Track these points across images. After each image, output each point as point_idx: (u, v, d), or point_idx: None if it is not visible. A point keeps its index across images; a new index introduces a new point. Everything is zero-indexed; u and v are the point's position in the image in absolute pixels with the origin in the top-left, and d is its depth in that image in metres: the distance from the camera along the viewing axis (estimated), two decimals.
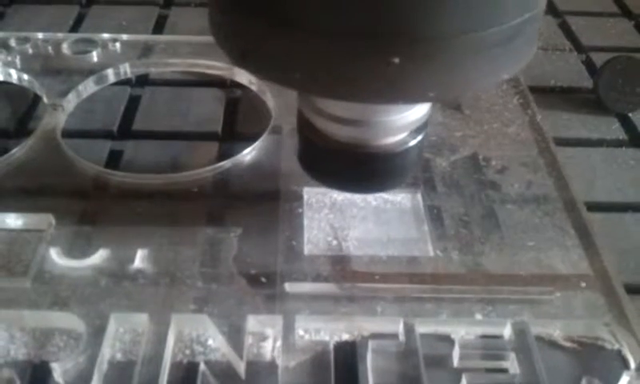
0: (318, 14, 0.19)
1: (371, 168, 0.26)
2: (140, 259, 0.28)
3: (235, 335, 0.25)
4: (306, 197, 0.31)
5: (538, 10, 0.21)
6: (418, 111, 0.25)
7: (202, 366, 0.24)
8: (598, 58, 0.42)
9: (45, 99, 0.37)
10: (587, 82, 0.41)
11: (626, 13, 0.50)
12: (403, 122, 0.25)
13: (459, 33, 0.19)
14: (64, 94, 0.37)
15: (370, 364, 0.25)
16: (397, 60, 0.19)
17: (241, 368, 0.24)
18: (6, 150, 0.33)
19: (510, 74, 0.22)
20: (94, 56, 0.40)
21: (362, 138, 0.25)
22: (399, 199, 0.31)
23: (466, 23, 0.19)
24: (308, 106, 0.26)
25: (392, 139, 0.25)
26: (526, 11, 0.20)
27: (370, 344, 0.25)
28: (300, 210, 0.30)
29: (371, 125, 0.25)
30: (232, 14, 0.21)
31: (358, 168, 0.26)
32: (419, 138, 0.26)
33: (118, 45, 0.41)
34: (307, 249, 0.29)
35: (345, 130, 0.25)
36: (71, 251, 0.28)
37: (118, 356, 0.25)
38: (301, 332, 0.26)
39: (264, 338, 0.25)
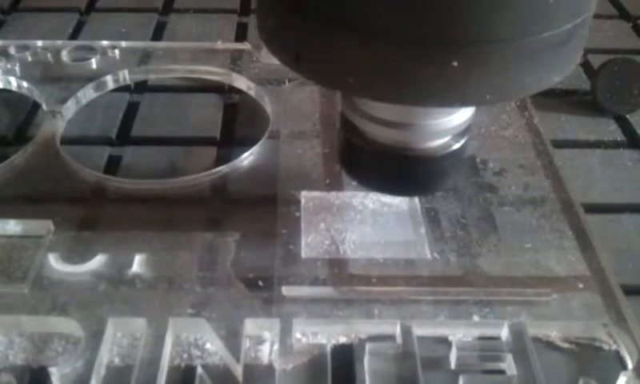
0: (376, 18, 0.19)
1: (414, 171, 0.26)
2: (138, 264, 0.28)
3: (233, 339, 0.25)
4: (303, 201, 0.31)
5: (589, 13, 0.22)
6: (462, 115, 0.25)
7: (200, 370, 0.24)
8: (596, 60, 0.42)
9: (44, 106, 0.37)
10: (585, 84, 0.41)
11: (623, 15, 0.50)
12: (447, 126, 0.25)
13: (516, 37, 0.20)
14: (63, 101, 0.37)
15: (368, 366, 0.25)
16: (455, 64, 0.19)
17: (238, 371, 0.24)
18: (5, 157, 0.33)
19: (561, 77, 0.22)
20: (93, 63, 0.41)
21: (406, 141, 0.25)
22: (396, 202, 0.31)
23: (523, 27, 0.19)
24: (351, 108, 0.26)
25: (436, 142, 0.26)
26: (578, 15, 0.21)
27: (368, 346, 0.25)
28: (297, 214, 0.30)
29: (416, 128, 0.25)
30: (286, 17, 0.22)
31: (401, 170, 0.26)
32: (462, 141, 0.26)
33: (117, 52, 0.42)
34: (304, 252, 0.29)
35: (389, 133, 0.25)
36: (70, 257, 0.28)
37: (116, 360, 0.25)
38: (298, 335, 0.26)
39: (261, 341, 0.25)
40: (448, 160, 0.26)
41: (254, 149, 0.34)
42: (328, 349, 0.25)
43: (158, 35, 0.46)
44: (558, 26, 0.20)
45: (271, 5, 0.22)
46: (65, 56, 0.41)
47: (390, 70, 0.20)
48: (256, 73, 0.40)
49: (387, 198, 0.31)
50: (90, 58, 0.41)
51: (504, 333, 0.26)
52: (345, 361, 0.25)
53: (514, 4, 0.19)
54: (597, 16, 0.50)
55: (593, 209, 0.32)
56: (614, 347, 0.26)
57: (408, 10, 0.19)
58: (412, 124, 0.25)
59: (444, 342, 0.26)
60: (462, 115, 0.25)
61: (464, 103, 0.23)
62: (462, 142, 0.26)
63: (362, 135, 0.26)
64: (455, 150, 0.26)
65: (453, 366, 0.25)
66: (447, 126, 0.25)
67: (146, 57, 0.42)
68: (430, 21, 0.19)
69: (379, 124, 0.25)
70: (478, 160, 0.34)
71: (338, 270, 0.28)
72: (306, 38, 0.21)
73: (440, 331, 0.26)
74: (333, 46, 0.21)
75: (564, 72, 0.22)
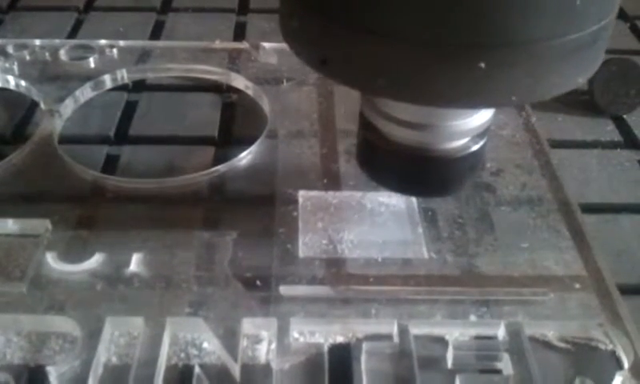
0: (402, 20, 0.19)
1: (433, 171, 0.26)
2: (136, 263, 0.28)
3: (230, 338, 0.25)
4: (301, 200, 0.31)
5: (613, 16, 0.22)
6: (482, 116, 0.25)
7: (197, 369, 0.24)
8: None
9: (42, 105, 0.37)
10: (582, 84, 0.41)
11: (621, 15, 0.50)
12: (467, 127, 0.25)
13: (543, 39, 0.20)
14: (61, 99, 0.37)
15: (365, 366, 0.25)
16: (483, 65, 0.19)
17: (236, 371, 0.24)
18: (3, 156, 0.33)
19: (585, 79, 0.22)
20: (92, 62, 0.41)
21: (425, 142, 0.25)
22: (394, 202, 0.31)
23: (549, 29, 0.20)
24: (371, 108, 0.26)
25: (455, 143, 0.26)
26: (603, 18, 0.21)
27: (365, 346, 0.25)
28: (295, 214, 0.30)
29: (436, 129, 0.25)
30: (312, 20, 0.21)
31: (420, 171, 0.26)
32: (481, 143, 0.26)
33: (115, 51, 0.42)
34: (302, 252, 0.29)
35: (409, 133, 0.25)
36: (67, 256, 0.28)
37: (114, 359, 0.25)
38: (295, 334, 0.26)
39: (259, 340, 0.26)
40: (467, 161, 0.26)
41: (252, 148, 0.34)
42: (325, 348, 0.25)
43: (156, 34, 0.46)
44: (584, 28, 0.20)
45: (295, 6, 0.22)
46: (63, 55, 0.41)
47: (417, 72, 0.20)
48: (254, 72, 0.40)
49: (385, 198, 0.31)
50: (88, 57, 0.41)
51: (501, 332, 0.26)
52: (342, 360, 0.25)
53: (542, 5, 0.19)
54: None
55: (589, 209, 0.32)
56: (610, 347, 0.26)
57: (435, 11, 0.19)
58: (432, 125, 0.25)
59: (441, 341, 0.26)
60: (481, 116, 0.25)
61: (490, 104, 0.23)
62: (481, 143, 0.26)
63: (381, 135, 0.26)
64: (474, 152, 0.26)
65: (450, 365, 0.25)
66: (467, 127, 0.25)
67: (144, 56, 0.42)
68: (457, 22, 0.19)
69: (399, 124, 0.25)
70: None
71: (335, 269, 0.28)
72: (333, 40, 0.21)
73: (437, 331, 0.26)
74: (360, 49, 0.20)
75: (588, 73, 0.22)
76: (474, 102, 0.21)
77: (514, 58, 0.20)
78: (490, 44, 0.19)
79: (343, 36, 0.21)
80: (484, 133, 0.26)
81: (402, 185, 0.28)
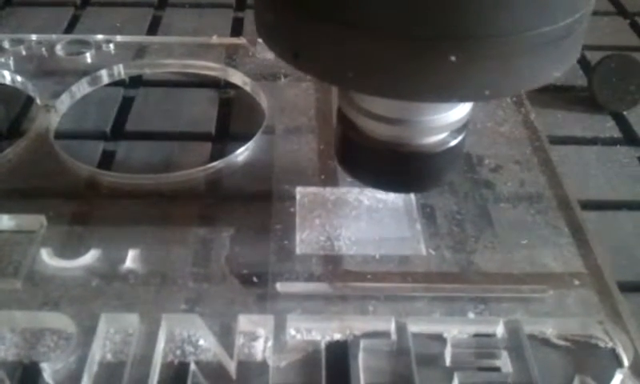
0: (373, 13, 0.19)
1: (411, 167, 0.26)
2: (131, 259, 0.28)
3: (226, 335, 0.25)
4: (298, 197, 0.31)
5: (588, 9, 0.21)
6: (460, 111, 0.25)
7: (193, 366, 0.24)
8: (593, 57, 0.42)
9: (38, 100, 0.37)
10: (581, 80, 0.41)
11: (621, 11, 0.50)
12: (445, 122, 0.25)
13: (515, 32, 0.19)
14: (57, 95, 0.37)
15: (362, 363, 0.25)
16: (454, 58, 0.19)
17: (232, 368, 0.24)
18: None
19: (560, 72, 0.22)
20: (88, 57, 0.40)
21: (403, 137, 0.25)
22: (392, 198, 0.31)
23: (521, 22, 0.19)
24: (348, 103, 0.26)
25: (433, 139, 0.25)
26: (577, 11, 0.21)
27: (362, 343, 0.25)
28: (292, 210, 0.30)
29: (413, 124, 0.25)
30: (284, 13, 0.21)
31: (398, 167, 0.26)
32: (460, 138, 0.26)
33: (111, 46, 0.41)
34: (299, 248, 0.28)
35: (386, 129, 0.25)
36: (62, 252, 0.28)
37: (109, 356, 0.25)
38: (292, 332, 0.25)
39: (255, 337, 0.25)
40: (445, 157, 0.26)
41: (249, 144, 0.34)
42: (322, 345, 0.25)
43: (153, 30, 0.46)
44: (557, 21, 0.20)
45: (268, 1, 0.22)
46: (59, 50, 0.41)
47: (387, 65, 0.20)
48: (251, 68, 0.40)
49: (382, 195, 0.31)
50: (84, 52, 0.41)
51: (499, 330, 0.26)
52: (339, 357, 0.25)
53: None
54: (594, 13, 0.50)
55: (589, 205, 0.32)
56: (609, 345, 0.26)
57: (404, 3, 0.19)
58: (409, 120, 0.25)
59: (439, 338, 0.25)
60: (459, 111, 0.25)
61: (462, 98, 0.23)
62: (460, 138, 0.26)
63: (358, 131, 0.26)
64: (453, 147, 0.26)
65: (448, 363, 0.25)
66: (445, 122, 0.25)
67: (141, 51, 0.41)
68: (427, 15, 0.19)
69: (376, 120, 0.25)
70: (473, 156, 0.34)
71: (332, 266, 0.28)
72: (305, 33, 0.21)
73: (435, 328, 0.26)
74: (331, 42, 0.20)
75: (563, 67, 0.22)
76: (446, 96, 0.21)
77: (485, 51, 0.19)
78: (460, 37, 0.19)
79: (314, 29, 0.21)
80: (463, 128, 0.26)
81: (381, 181, 0.27)
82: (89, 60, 0.40)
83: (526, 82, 0.21)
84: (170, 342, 0.25)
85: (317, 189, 0.31)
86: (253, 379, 0.24)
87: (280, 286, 0.27)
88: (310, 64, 0.22)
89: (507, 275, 0.28)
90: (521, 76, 0.21)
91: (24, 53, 0.41)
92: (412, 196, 0.31)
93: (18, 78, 0.39)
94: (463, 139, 0.26)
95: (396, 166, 0.26)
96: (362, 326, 0.26)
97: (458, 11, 0.19)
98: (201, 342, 0.25)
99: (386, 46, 0.20)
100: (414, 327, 0.25)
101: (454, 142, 0.26)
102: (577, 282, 0.27)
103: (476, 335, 0.26)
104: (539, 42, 0.20)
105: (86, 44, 0.41)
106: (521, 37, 0.20)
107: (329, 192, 0.31)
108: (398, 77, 0.20)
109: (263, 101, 0.37)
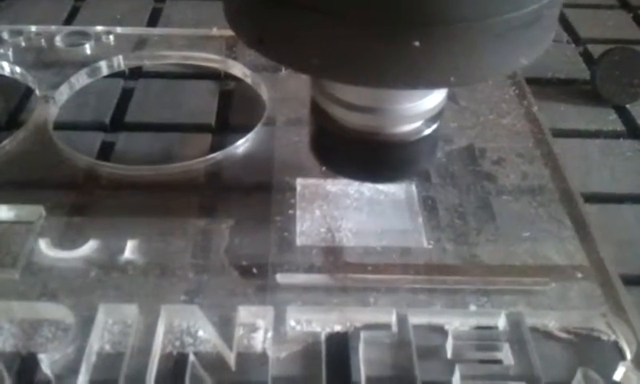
0: None
1: (385, 156, 0.26)
2: (130, 250, 0.28)
3: (226, 326, 0.25)
4: (298, 188, 0.31)
5: None
6: (433, 99, 0.25)
7: (192, 357, 0.24)
8: (596, 50, 0.42)
9: (37, 91, 0.37)
10: (584, 74, 0.41)
11: (624, 5, 0.49)
12: (418, 110, 0.25)
13: (479, 17, 0.19)
14: (56, 86, 0.37)
15: (362, 355, 0.24)
16: (417, 44, 0.19)
17: (231, 359, 0.24)
18: None
19: (529, 60, 0.21)
20: (87, 48, 0.40)
21: (375, 126, 0.25)
22: (393, 190, 0.31)
23: (486, 8, 0.19)
24: (321, 93, 0.25)
25: (406, 127, 0.25)
26: None
27: (362, 335, 0.25)
28: (292, 201, 0.30)
29: (386, 112, 0.24)
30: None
31: (372, 156, 0.26)
32: (434, 127, 0.26)
33: (111, 37, 0.41)
34: (299, 240, 0.28)
35: (358, 118, 0.25)
36: (61, 242, 0.28)
37: (107, 347, 0.24)
38: (292, 323, 0.25)
39: (255, 329, 0.25)
40: (419, 146, 0.26)
41: (250, 136, 0.34)
42: (322, 337, 0.25)
43: (153, 21, 0.45)
44: (522, 7, 0.20)
45: None
46: (59, 41, 0.41)
47: (351, 51, 0.20)
48: (252, 59, 0.39)
49: (384, 186, 0.31)
50: (84, 44, 0.40)
51: (501, 322, 0.25)
52: (339, 349, 0.25)
53: None
54: (597, 6, 0.50)
55: (592, 198, 0.32)
56: (612, 337, 0.25)
57: None
58: (381, 108, 0.24)
59: (440, 331, 0.25)
60: (433, 99, 0.25)
61: (427, 85, 0.22)
62: (434, 127, 0.26)
63: (331, 120, 0.26)
64: (427, 136, 0.26)
65: (449, 355, 0.25)
66: (418, 110, 0.25)
67: (140, 43, 0.41)
68: (391, 0, 0.18)
69: (348, 108, 0.25)
70: (476, 148, 0.33)
71: (333, 257, 0.28)
72: (269, 19, 0.21)
73: (436, 320, 0.26)
74: (294, 28, 0.20)
75: (532, 54, 0.22)
76: (410, 83, 0.21)
77: (449, 37, 0.19)
78: (423, 23, 0.19)
79: (278, 14, 0.20)
80: (437, 116, 0.26)
81: (353, 170, 0.27)
82: (88, 51, 0.40)
83: (492, 69, 0.21)
84: (169, 333, 0.25)
85: (317, 180, 0.31)
86: (252, 370, 0.24)
87: (280, 278, 0.27)
88: (274, 50, 0.22)
89: (509, 267, 0.27)
90: (487, 63, 0.20)
91: (23, 44, 0.40)
92: (414, 188, 0.31)
93: (17, 69, 0.38)
94: (438, 128, 0.26)
95: (369, 156, 0.26)
96: (362, 317, 0.25)
97: None
98: (200, 333, 0.25)
99: (349, 32, 0.19)
100: (414, 319, 0.25)
101: (427, 131, 0.25)
102: (579, 275, 0.27)
103: (477, 327, 0.25)
104: (505, 28, 0.20)
105: (85, 35, 0.41)
106: (485, 23, 0.19)
107: (329, 183, 0.31)
108: (361, 63, 0.20)
109: (264, 92, 0.37)
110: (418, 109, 0.24)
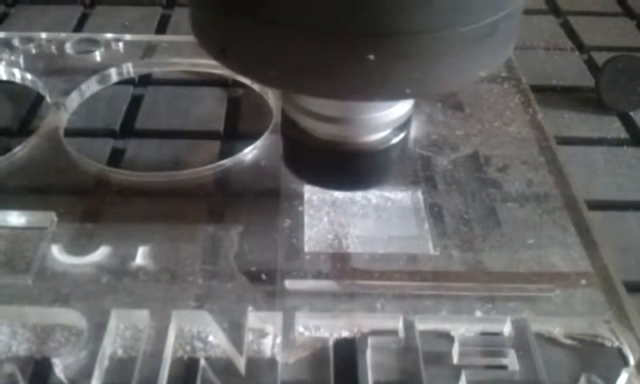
0: (292, 9, 0.19)
1: (354, 165, 0.26)
2: (141, 256, 0.28)
3: (235, 332, 0.25)
4: (306, 195, 0.31)
5: (515, 7, 0.21)
6: (400, 109, 0.25)
7: (203, 362, 0.24)
8: (600, 58, 0.42)
9: (48, 98, 0.37)
10: (589, 81, 0.41)
11: (628, 13, 0.50)
12: (385, 120, 0.25)
13: (434, 30, 0.19)
14: (67, 93, 0.37)
15: (370, 360, 0.25)
16: (372, 57, 0.19)
17: (241, 364, 0.24)
18: (8, 149, 0.33)
19: (487, 72, 0.22)
20: (97, 56, 0.41)
21: (343, 136, 0.25)
22: (400, 197, 0.31)
23: (440, 21, 0.19)
24: (289, 103, 0.26)
25: (374, 137, 0.25)
26: (500, 9, 0.20)
27: (370, 341, 0.25)
28: (300, 208, 0.30)
29: (352, 122, 0.25)
30: (211, 10, 0.21)
31: (341, 165, 0.26)
32: (402, 135, 0.26)
33: (121, 44, 0.42)
34: (307, 246, 0.29)
35: (326, 128, 0.25)
36: (73, 248, 0.28)
37: (119, 352, 0.25)
38: (301, 329, 0.26)
39: (264, 334, 0.26)
40: (388, 154, 0.26)
41: (258, 143, 0.34)
42: (330, 342, 0.25)
43: (162, 28, 0.46)
44: (478, 20, 0.20)
45: None
46: (69, 48, 0.41)
47: (307, 63, 0.20)
48: None
49: (390, 193, 0.31)
50: (93, 51, 0.41)
51: (506, 328, 0.26)
52: (347, 355, 0.25)
53: None
54: (601, 14, 0.51)
55: (596, 206, 0.32)
56: (616, 344, 0.26)
57: (321, 1, 0.19)
58: (349, 118, 0.25)
59: (446, 337, 0.26)
60: (400, 108, 0.25)
61: (383, 97, 0.23)
62: (402, 135, 0.26)
63: (300, 130, 0.26)
64: (394, 144, 0.26)
65: (455, 361, 0.25)
66: (385, 120, 0.25)
67: (150, 50, 0.42)
68: (345, 12, 0.19)
69: (316, 118, 0.25)
70: (481, 156, 0.34)
71: (340, 264, 0.28)
72: (228, 30, 0.21)
73: (442, 326, 0.26)
74: (254, 38, 0.20)
75: (490, 66, 0.22)
76: (365, 95, 0.21)
77: (403, 49, 0.19)
78: (378, 35, 0.19)
79: (237, 25, 0.21)
80: (405, 125, 0.26)
81: (324, 179, 0.28)
82: (98, 58, 0.41)
83: (448, 81, 0.21)
84: (180, 338, 0.25)
85: None
86: (262, 375, 0.24)
87: (289, 284, 0.27)
88: (235, 60, 0.22)
89: (514, 274, 0.28)
90: (443, 75, 0.20)
91: (34, 51, 0.41)
92: (420, 195, 0.31)
93: (28, 76, 0.39)
94: (406, 137, 0.26)
95: (338, 165, 0.26)
96: (369, 323, 0.26)
97: (375, 9, 0.18)
98: (210, 338, 0.25)
99: (306, 44, 0.19)
100: (421, 325, 0.26)
101: (396, 140, 0.26)
102: (583, 282, 0.28)
103: (483, 333, 0.26)
104: (460, 40, 0.20)
105: (95, 42, 0.42)
106: (439, 35, 0.19)
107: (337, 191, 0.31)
108: (318, 75, 0.20)
109: (271, 99, 0.37)
110: (385, 118, 0.25)
